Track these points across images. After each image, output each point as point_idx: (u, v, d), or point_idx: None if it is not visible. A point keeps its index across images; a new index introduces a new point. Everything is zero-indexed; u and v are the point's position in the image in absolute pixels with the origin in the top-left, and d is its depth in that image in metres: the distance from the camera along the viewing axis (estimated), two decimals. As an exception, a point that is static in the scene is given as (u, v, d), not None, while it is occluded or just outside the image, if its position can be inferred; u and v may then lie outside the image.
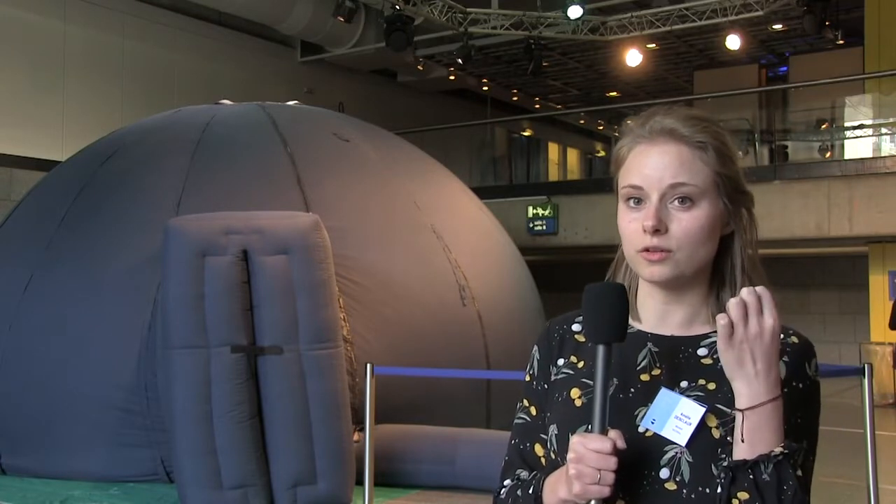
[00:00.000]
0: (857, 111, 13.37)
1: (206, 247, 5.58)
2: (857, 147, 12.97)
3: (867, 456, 4.33)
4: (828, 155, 13.30)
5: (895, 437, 8.88)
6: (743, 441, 1.18)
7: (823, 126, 13.96)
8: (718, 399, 1.24)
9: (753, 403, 1.18)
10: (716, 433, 1.23)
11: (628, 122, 1.35)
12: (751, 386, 1.18)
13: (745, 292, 1.19)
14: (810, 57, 15.83)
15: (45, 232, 7.16)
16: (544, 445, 1.35)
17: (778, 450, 1.17)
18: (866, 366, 4.46)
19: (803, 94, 14.32)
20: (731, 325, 1.18)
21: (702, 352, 1.31)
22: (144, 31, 13.09)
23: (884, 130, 12.78)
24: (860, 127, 13.21)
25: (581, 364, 1.35)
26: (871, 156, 11.95)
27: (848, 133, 13.44)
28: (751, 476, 1.16)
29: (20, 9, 11.57)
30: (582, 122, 23.12)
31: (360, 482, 5.32)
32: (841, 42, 13.94)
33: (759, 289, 1.20)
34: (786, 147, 14.34)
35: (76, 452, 6.28)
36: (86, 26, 12.37)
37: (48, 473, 6.33)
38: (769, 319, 1.18)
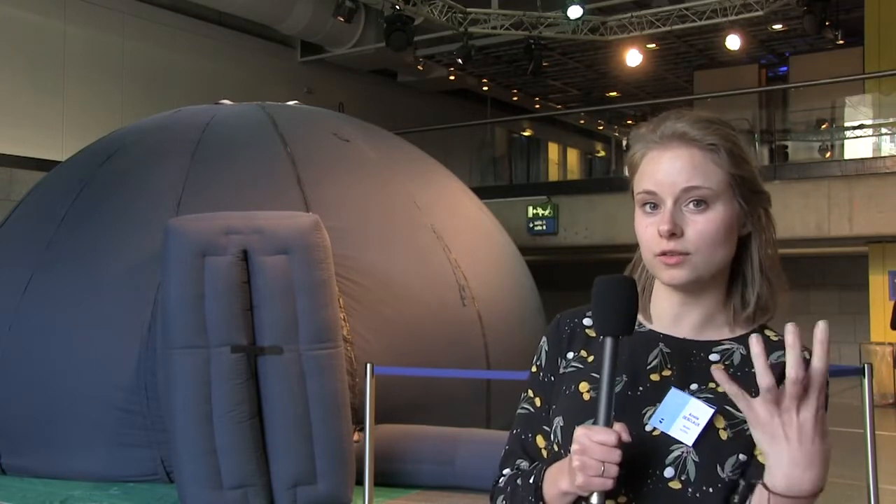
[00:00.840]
0: (857, 111, 13.38)
1: (206, 247, 5.58)
2: (857, 147, 12.98)
3: (867, 456, 4.33)
4: (828, 155, 13.31)
5: (895, 437, 8.88)
6: None
7: (823, 126, 13.96)
8: (728, 401, 1.23)
9: (790, 492, 1.10)
10: (723, 434, 1.23)
11: (640, 128, 1.36)
12: (788, 467, 1.10)
13: (793, 372, 1.07)
14: (810, 57, 15.83)
15: (45, 232, 7.16)
16: (546, 437, 1.35)
17: None
18: (866, 366, 4.46)
19: (803, 94, 14.32)
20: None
21: (714, 357, 1.31)
22: (144, 31, 13.10)
23: (884, 130, 12.78)
24: (860, 127, 13.21)
25: (591, 358, 1.36)
26: (871, 156, 11.96)
27: (848, 133, 13.44)
28: None
29: (20, 9, 11.58)
30: (582, 122, 23.12)
31: (360, 482, 5.31)
32: (841, 42, 13.94)
33: (815, 364, 1.08)
34: (786, 147, 14.35)
35: (76, 452, 6.28)
36: (86, 26, 12.37)
37: (48, 473, 6.33)
38: (810, 406, 1.08)
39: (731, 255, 1.31)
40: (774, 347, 1.29)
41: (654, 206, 1.30)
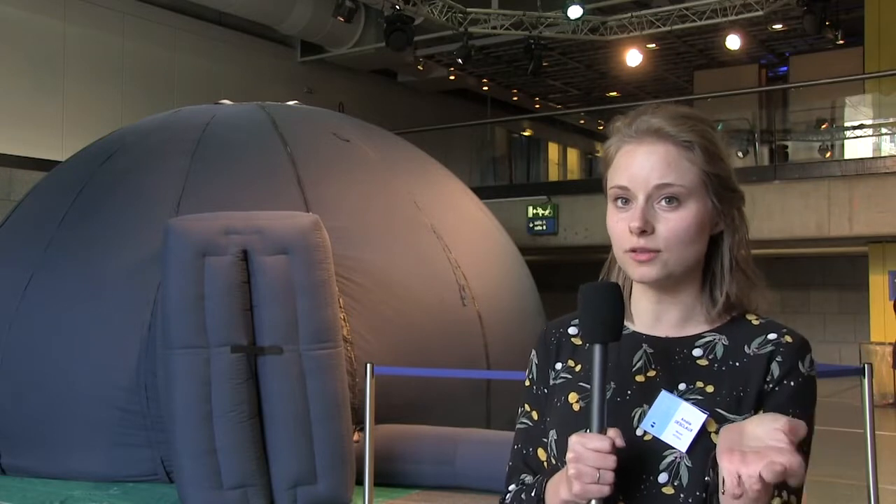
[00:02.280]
0: (857, 111, 13.38)
1: (206, 247, 5.59)
2: (857, 147, 12.98)
3: (867, 456, 4.33)
4: (828, 155, 13.30)
5: (895, 437, 8.89)
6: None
7: (823, 126, 13.96)
8: (718, 403, 1.24)
9: None
10: (714, 438, 1.22)
11: (616, 121, 1.34)
12: None
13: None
14: (810, 57, 15.83)
15: (45, 232, 7.16)
16: (546, 450, 1.35)
17: None
18: (866, 366, 4.46)
19: (803, 94, 14.32)
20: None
21: (697, 352, 1.30)
22: (144, 31, 13.09)
23: (884, 130, 12.78)
24: (860, 127, 13.21)
25: (578, 368, 1.35)
26: (871, 156, 11.96)
27: (848, 133, 13.44)
28: None
29: (20, 9, 11.58)
30: (582, 122, 23.11)
31: (360, 482, 5.32)
32: (841, 42, 13.93)
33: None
34: (786, 147, 14.35)
35: (76, 452, 6.28)
36: (86, 26, 12.37)
37: (48, 473, 6.33)
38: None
39: (702, 253, 1.30)
40: (755, 333, 1.29)
41: (626, 202, 1.30)
